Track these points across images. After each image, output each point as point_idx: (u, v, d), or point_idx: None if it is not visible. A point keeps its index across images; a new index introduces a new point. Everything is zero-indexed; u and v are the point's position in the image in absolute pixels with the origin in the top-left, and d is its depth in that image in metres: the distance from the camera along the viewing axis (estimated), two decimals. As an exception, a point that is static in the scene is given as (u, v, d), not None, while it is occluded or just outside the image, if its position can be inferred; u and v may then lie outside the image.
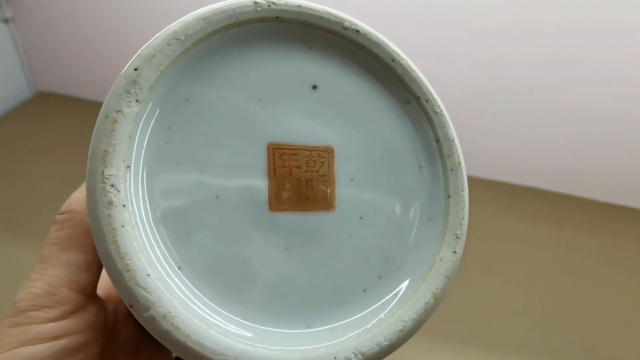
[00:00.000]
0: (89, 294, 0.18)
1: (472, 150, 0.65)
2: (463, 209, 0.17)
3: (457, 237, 0.16)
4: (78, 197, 0.18)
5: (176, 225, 0.14)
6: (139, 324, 0.17)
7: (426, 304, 0.15)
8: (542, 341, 0.44)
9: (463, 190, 0.17)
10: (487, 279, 0.51)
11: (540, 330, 0.45)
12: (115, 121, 0.14)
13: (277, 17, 0.15)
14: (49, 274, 0.17)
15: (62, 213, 0.18)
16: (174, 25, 0.14)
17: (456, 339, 0.44)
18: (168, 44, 0.14)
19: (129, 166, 0.14)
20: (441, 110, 0.17)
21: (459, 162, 0.17)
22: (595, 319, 0.47)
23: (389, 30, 0.57)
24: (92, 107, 0.72)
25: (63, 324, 0.16)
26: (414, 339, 0.40)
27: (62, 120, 0.68)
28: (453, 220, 0.16)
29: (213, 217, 0.14)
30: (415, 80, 0.17)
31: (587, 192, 0.65)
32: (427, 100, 0.17)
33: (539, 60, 0.57)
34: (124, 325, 0.20)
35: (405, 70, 0.17)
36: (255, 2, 0.14)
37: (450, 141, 0.17)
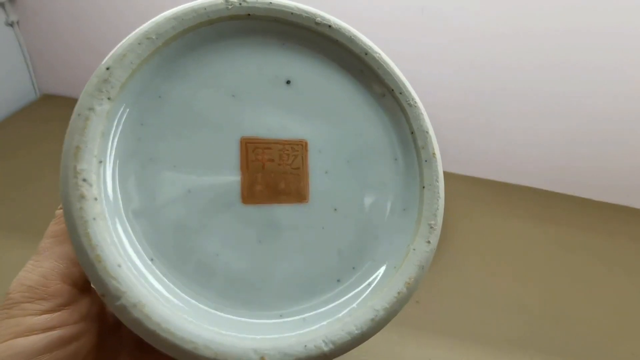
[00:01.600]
0: (82, 286, 0.18)
1: (471, 151, 0.65)
2: (437, 200, 0.17)
3: (431, 228, 0.17)
4: None
5: (150, 219, 0.15)
6: None
7: (399, 293, 0.16)
8: (538, 337, 0.45)
9: (438, 181, 0.17)
10: (483, 276, 0.51)
11: (535, 327, 0.46)
12: (87, 119, 0.14)
13: (249, 14, 0.15)
14: (43, 266, 0.17)
15: (60, 208, 0.18)
16: (145, 25, 0.15)
17: (452, 335, 0.44)
18: (139, 44, 0.14)
19: (101, 161, 0.14)
20: (415, 102, 0.17)
21: (434, 154, 0.17)
22: (590, 315, 0.48)
23: (386, 35, 0.58)
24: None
25: (56, 316, 0.17)
26: (411, 334, 0.40)
27: (67, 122, 0.69)
28: (427, 211, 0.17)
29: (186, 211, 0.15)
30: (388, 73, 0.17)
31: (583, 192, 0.65)
32: (401, 93, 0.17)
33: (534, 62, 0.57)
34: None
35: (379, 63, 0.17)
36: (226, 1, 0.15)
37: (424, 133, 0.17)
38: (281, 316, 0.15)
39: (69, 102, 0.74)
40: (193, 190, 0.15)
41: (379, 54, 0.17)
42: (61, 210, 0.17)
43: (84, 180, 0.14)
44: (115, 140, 0.15)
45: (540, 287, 0.51)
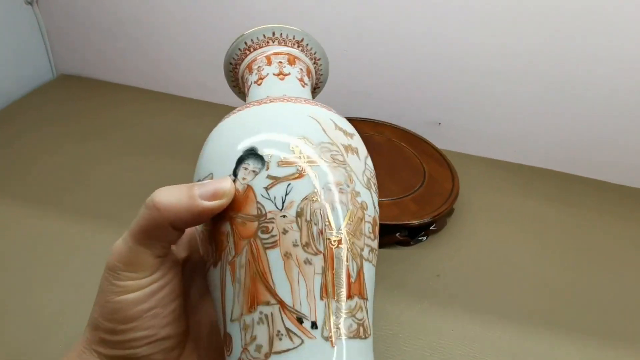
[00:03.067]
0: (164, 256, 0.23)
1: (487, 133, 0.64)
2: None
3: None
4: (166, 199, 0.21)
5: None
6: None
7: None
8: (556, 312, 0.45)
9: None
10: (502, 253, 0.51)
11: (554, 302, 0.46)
12: None
13: None
14: (133, 246, 0.22)
15: (151, 201, 0.21)
16: None
17: (473, 308, 0.43)
18: None
19: None
20: None
21: None
22: (607, 292, 0.48)
23: (389, 20, 0.57)
24: (113, 88, 0.74)
25: (155, 276, 0.23)
26: (432, 307, 0.41)
27: (83, 102, 0.70)
28: None
29: None
30: None
31: (598, 174, 0.64)
32: None
33: (552, 43, 0.55)
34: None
35: None
36: None
37: None
38: None
39: (86, 83, 0.75)
40: None
41: None
42: (151, 205, 0.21)
43: None
44: None
45: (558, 265, 0.50)
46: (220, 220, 0.23)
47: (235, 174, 0.24)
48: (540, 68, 0.58)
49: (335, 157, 0.24)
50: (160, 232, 0.22)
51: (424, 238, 0.50)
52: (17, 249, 0.45)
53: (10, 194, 0.51)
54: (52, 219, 0.48)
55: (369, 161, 0.27)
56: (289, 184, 0.23)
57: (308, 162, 0.23)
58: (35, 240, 0.46)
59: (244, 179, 0.23)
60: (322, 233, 0.22)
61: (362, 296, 0.23)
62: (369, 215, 0.24)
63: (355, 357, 0.21)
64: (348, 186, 0.24)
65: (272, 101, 0.27)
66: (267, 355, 0.21)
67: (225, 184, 0.22)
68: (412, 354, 0.39)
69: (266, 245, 0.22)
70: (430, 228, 0.50)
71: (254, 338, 0.21)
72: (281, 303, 0.21)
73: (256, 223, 0.22)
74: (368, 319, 0.23)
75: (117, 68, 0.74)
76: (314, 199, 0.23)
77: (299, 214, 0.22)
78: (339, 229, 0.23)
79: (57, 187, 0.53)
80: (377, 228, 0.25)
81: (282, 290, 0.21)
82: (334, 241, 0.22)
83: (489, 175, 0.62)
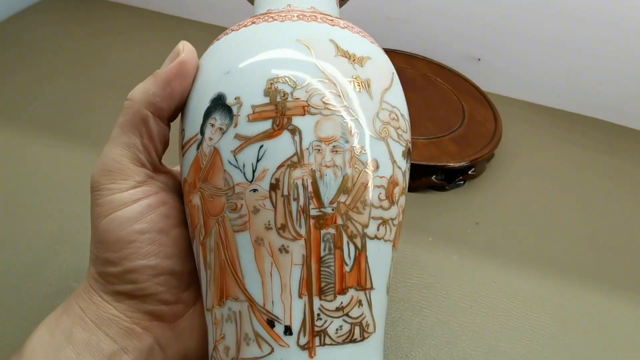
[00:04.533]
0: (153, 168, 0.22)
1: (533, 76, 0.58)
2: None
3: None
4: (140, 88, 0.21)
5: None
6: None
7: None
8: (597, 265, 0.41)
9: None
10: (542, 202, 0.47)
11: (595, 255, 0.42)
12: None
13: None
14: (115, 152, 0.21)
15: (127, 100, 0.21)
16: None
17: (512, 258, 0.40)
18: None
19: None
20: None
21: None
22: None
23: None
24: (111, 8, 0.67)
25: (140, 190, 0.21)
26: (470, 255, 0.37)
27: (73, 24, 0.64)
28: None
29: None
30: None
31: None
32: None
33: None
34: None
35: None
36: None
37: None
38: None
39: (75, 4, 0.68)
40: None
41: None
42: (126, 102, 0.21)
43: None
44: None
45: (601, 216, 0.46)
46: (191, 190, 0.20)
47: (202, 132, 0.19)
48: (589, 6, 0.51)
49: (328, 101, 0.18)
50: (139, 121, 0.20)
51: (462, 183, 0.45)
52: (13, 177, 0.40)
53: (1, 123, 0.46)
54: (50, 145, 0.44)
55: (392, 96, 0.20)
56: (262, 146, 0.18)
57: (287, 112, 0.18)
58: (39, 158, 0.42)
59: (210, 139, 0.19)
60: (303, 211, 0.17)
61: (363, 286, 0.18)
62: (381, 177, 0.19)
63: None
64: (347, 141, 0.18)
65: (254, 22, 0.21)
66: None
67: (179, 45, 0.21)
68: (450, 306, 0.35)
69: (235, 228, 0.18)
70: (469, 172, 0.45)
71: (222, 337, 0.18)
72: (250, 300, 0.18)
73: (224, 198, 0.18)
74: (372, 313, 0.18)
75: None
76: (295, 164, 0.17)
77: (273, 187, 0.17)
78: (329, 203, 0.17)
79: (53, 113, 0.48)
80: (398, 189, 0.20)
81: (252, 284, 0.18)
82: (321, 221, 0.17)
83: (529, 120, 0.57)
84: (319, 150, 0.17)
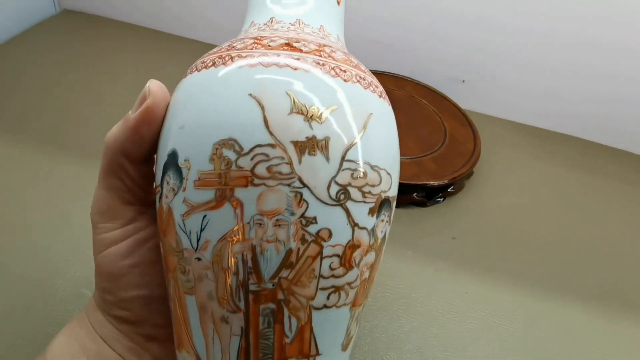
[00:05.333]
0: (142, 204, 0.23)
1: (510, 93, 0.62)
2: None
3: None
4: (113, 133, 0.21)
5: None
6: None
7: None
8: (572, 277, 0.45)
9: None
10: (519, 217, 0.51)
11: (570, 267, 0.46)
12: None
13: None
14: (102, 194, 0.22)
15: (104, 141, 0.21)
16: None
17: (487, 270, 0.44)
18: None
19: None
20: None
21: None
22: (624, 259, 0.48)
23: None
24: (118, 26, 0.71)
25: (130, 228, 0.22)
26: (446, 268, 0.39)
27: (84, 36, 0.68)
28: None
29: None
30: None
31: (621, 143, 0.63)
32: None
33: (589, 9, 0.52)
34: None
35: None
36: None
37: None
38: None
39: (90, 19, 0.72)
40: None
41: None
42: (105, 146, 0.21)
43: None
44: None
45: (576, 232, 0.49)
46: (159, 237, 0.20)
47: (161, 185, 0.19)
48: (569, 31, 0.55)
49: (274, 169, 0.17)
50: (116, 166, 0.21)
51: (441, 199, 0.49)
52: (17, 187, 0.44)
53: (9, 129, 0.50)
54: (51, 156, 0.47)
55: (363, 148, 0.18)
56: (205, 216, 0.17)
57: (230, 182, 0.17)
58: (35, 179, 0.45)
59: (166, 196, 0.19)
60: (242, 285, 0.17)
61: (306, 354, 0.18)
62: (335, 245, 0.17)
63: None
64: (292, 214, 0.17)
65: (213, 64, 0.19)
66: None
67: (147, 85, 0.20)
68: (424, 314, 0.39)
69: (185, 290, 0.18)
70: (448, 190, 0.49)
71: None
72: (197, 357, 0.19)
73: (176, 258, 0.18)
74: None
75: (123, 5, 0.71)
76: (235, 239, 0.17)
77: (214, 260, 0.17)
78: (269, 278, 0.17)
79: (58, 124, 0.52)
80: (360, 250, 0.18)
81: (199, 343, 0.18)
82: (260, 296, 0.17)
83: (510, 138, 0.61)
84: (261, 224, 0.17)
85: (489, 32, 0.58)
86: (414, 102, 0.57)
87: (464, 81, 0.63)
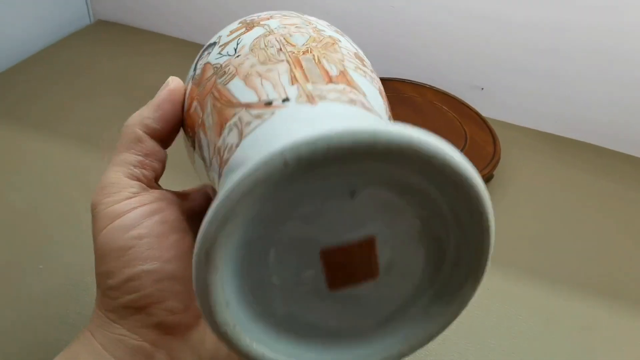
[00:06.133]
0: (148, 183, 0.23)
1: (529, 101, 0.63)
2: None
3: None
4: (133, 116, 0.23)
5: (264, 313, 0.17)
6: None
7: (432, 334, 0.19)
8: (590, 278, 0.46)
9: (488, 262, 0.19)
10: (538, 219, 0.52)
11: (588, 268, 0.47)
12: (208, 287, 0.15)
13: (310, 163, 0.16)
14: (111, 170, 0.22)
15: (123, 127, 0.23)
16: (221, 204, 0.14)
17: (508, 268, 0.45)
18: (223, 227, 0.15)
19: (227, 304, 0.16)
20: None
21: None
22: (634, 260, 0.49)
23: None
24: (146, 35, 0.75)
25: (135, 199, 0.21)
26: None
27: (119, 46, 0.72)
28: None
29: (290, 301, 0.18)
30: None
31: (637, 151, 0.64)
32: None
33: (598, 13, 0.54)
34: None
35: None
36: (285, 163, 0.14)
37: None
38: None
39: (123, 29, 0.76)
40: (292, 289, 0.17)
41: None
42: (124, 127, 0.23)
43: (224, 322, 0.16)
44: (231, 285, 0.16)
45: (594, 238, 0.51)
46: (187, 112, 0.23)
47: (194, 69, 0.24)
48: (589, 41, 0.57)
49: (296, 24, 0.22)
50: (132, 139, 0.23)
51: (462, 200, 0.51)
52: (57, 193, 0.47)
53: (46, 136, 0.53)
54: (90, 163, 0.50)
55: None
56: (239, 39, 0.22)
57: (259, 22, 0.23)
58: (81, 172, 0.48)
59: (199, 65, 0.24)
60: (281, 49, 0.20)
61: (350, 84, 0.19)
62: (345, 48, 0.22)
63: (352, 116, 0.18)
64: (308, 25, 0.22)
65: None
66: (237, 145, 0.18)
67: (168, 79, 0.24)
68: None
69: (225, 82, 0.21)
70: (469, 191, 0.51)
71: (226, 147, 0.19)
72: (247, 105, 0.19)
73: (214, 77, 0.21)
74: (368, 100, 0.20)
75: (156, 16, 0.75)
76: (267, 34, 0.21)
77: (252, 48, 0.21)
78: (302, 44, 0.21)
79: (94, 131, 0.55)
80: (364, 59, 0.23)
81: (247, 97, 0.19)
82: (298, 50, 0.20)
83: (527, 144, 0.63)
84: (285, 27, 0.22)
85: (506, 44, 0.60)
86: (435, 108, 0.59)
87: (482, 89, 0.65)
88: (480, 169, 0.51)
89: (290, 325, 0.18)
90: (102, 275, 0.20)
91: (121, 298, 0.20)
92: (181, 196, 0.24)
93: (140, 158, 0.22)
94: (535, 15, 0.57)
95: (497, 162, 0.52)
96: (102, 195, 0.21)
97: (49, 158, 0.50)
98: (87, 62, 0.67)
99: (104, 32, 0.76)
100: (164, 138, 0.24)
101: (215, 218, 0.14)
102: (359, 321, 0.18)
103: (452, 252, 0.18)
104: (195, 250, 0.15)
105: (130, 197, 0.21)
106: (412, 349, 0.18)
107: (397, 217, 0.17)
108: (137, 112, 0.23)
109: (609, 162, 0.62)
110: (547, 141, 0.64)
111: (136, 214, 0.21)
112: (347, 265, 0.17)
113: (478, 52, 0.62)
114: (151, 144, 0.23)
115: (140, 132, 0.22)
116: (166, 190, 0.24)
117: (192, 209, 0.24)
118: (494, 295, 0.42)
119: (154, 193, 0.22)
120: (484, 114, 0.60)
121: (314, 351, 0.18)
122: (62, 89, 0.61)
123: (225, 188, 0.14)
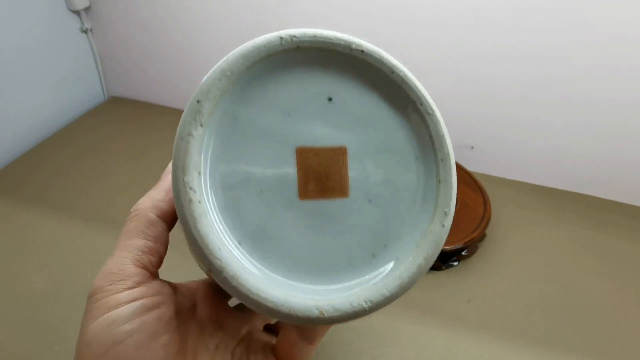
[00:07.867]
0: (152, 271, 0.23)
1: (519, 156, 0.66)
2: (451, 191, 0.21)
3: (445, 214, 0.21)
4: (144, 200, 0.23)
5: (233, 212, 0.20)
6: (217, 305, 0.25)
7: (419, 265, 0.21)
8: (588, 340, 0.46)
9: (451, 177, 0.21)
10: (532, 279, 0.53)
11: (585, 330, 0.47)
12: (188, 141, 0.19)
13: (298, 46, 0.20)
14: (118, 256, 0.22)
15: (132, 210, 0.23)
16: (221, 63, 0.19)
17: (502, 333, 0.46)
18: (219, 80, 0.19)
19: (199, 173, 0.19)
20: (433, 111, 0.22)
21: (448, 154, 0.21)
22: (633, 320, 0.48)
23: (424, 38, 0.60)
24: (159, 110, 0.81)
25: (136, 291, 0.21)
26: (462, 331, 0.43)
27: (133, 123, 0.77)
28: (442, 200, 0.21)
29: (260, 207, 0.20)
30: (411, 88, 0.21)
31: (634, 200, 0.66)
32: (421, 104, 0.21)
33: (584, 67, 0.57)
34: (204, 305, 0.25)
35: (402, 79, 0.21)
36: (281, 38, 0.20)
37: (440, 136, 0.22)
38: (333, 283, 0.20)
39: (135, 105, 0.82)
40: (264, 190, 0.20)
41: (404, 71, 0.21)
42: (131, 213, 0.23)
43: (190, 188, 0.19)
44: (208, 155, 0.19)
45: (593, 292, 0.52)
46: None
47: None
48: (575, 94, 0.60)
49: None
50: (143, 223, 0.22)
51: (456, 263, 0.53)
52: (75, 274, 0.51)
53: (64, 217, 0.58)
54: (105, 242, 0.54)
55: None
56: None
57: None
58: (96, 251, 0.52)
59: None
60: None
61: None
62: None
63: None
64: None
65: None
66: None
67: None
68: (441, 376, 0.42)
69: None
70: (462, 253, 0.53)
71: None
72: None
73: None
74: None
75: (162, 91, 0.81)
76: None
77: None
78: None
79: (110, 211, 0.59)
80: None
81: None
82: None
83: (521, 199, 0.65)
84: None
85: (495, 102, 0.63)
86: (426, 170, 0.62)
87: (472, 147, 0.68)
88: (470, 231, 0.53)
89: (259, 235, 0.20)
90: None
91: None
92: (173, 287, 0.24)
93: (149, 244, 0.22)
94: (520, 70, 0.61)
95: (487, 222, 0.54)
96: (105, 281, 0.21)
97: (67, 239, 0.54)
98: (102, 139, 0.72)
99: (117, 108, 0.82)
100: (173, 220, 0.24)
101: (214, 72, 0.18)
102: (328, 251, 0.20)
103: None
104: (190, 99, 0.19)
105: (133, 287, 0.21)
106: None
107: (366, 129, 0.21)
108: (147, 196, 0.24)
109: (603, 211, 0.63)
110: (538, 194, 0.66)
111: (133, 307, 0.20)
112: (320, 173, 0.20)
113: (466, 113, 0.66)
114: (161, 228, 0.23)
115: (153, 216, 0.23)
116: (164, 281, 0.24)
117: (181, 303, 0.24)
118: (487, 362, 0.43)
119: (155, 285, 0.22)
120: (473, 169, 0.63)
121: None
122: (79, 168, 0.66)
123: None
